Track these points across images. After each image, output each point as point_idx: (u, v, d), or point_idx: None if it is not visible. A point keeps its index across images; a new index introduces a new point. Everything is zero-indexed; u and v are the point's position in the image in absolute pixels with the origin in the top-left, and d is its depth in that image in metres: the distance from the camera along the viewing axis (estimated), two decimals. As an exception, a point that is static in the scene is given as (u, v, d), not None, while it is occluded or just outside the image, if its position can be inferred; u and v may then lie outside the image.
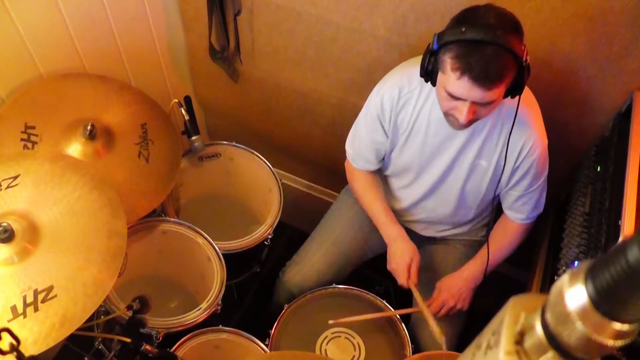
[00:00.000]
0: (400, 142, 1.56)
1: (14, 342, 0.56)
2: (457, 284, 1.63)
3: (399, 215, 1.75)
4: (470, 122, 1.32)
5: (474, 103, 1.25)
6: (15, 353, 0.58)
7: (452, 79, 1.23)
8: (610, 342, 0.40)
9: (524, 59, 1.20)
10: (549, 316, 0.43)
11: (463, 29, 1.18)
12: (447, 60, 1.22)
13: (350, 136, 1.69)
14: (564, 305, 0.42)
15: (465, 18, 1.22)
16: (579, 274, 0.41)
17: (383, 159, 1.65)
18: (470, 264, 1.66)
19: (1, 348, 0.56)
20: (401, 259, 1.60)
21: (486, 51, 1.17)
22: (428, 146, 1.52)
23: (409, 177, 1.64)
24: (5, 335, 0.56)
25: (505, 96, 1.28)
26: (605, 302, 0.39)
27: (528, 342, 0.46)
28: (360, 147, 1.64)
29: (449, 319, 1.65)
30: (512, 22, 1.21)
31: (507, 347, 0.46)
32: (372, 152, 1.62)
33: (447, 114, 1.35)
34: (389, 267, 1.65)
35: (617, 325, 0.39)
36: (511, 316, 0.48)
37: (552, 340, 0.43)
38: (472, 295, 1.65)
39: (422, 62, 1.30)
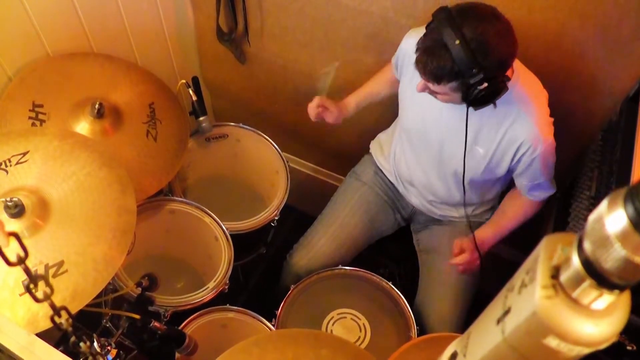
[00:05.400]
0: (407, 96, 1.58)
1: (48, 291, 0.58)
2: (468, 238, 1.63)
3: (412, 186, 1.77)
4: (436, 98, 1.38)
5: None
6: (49, 302, 0.59)
7: None
8: None
9: (471, 81, 1.20)
10: (586, 244, 0.44)
11: (447, 14, 1.20)
12: None
13: None
14: (603, 230, 0.42)
15: (465, 11, 1.21)
16: (617, 199, 0.42)
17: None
18: (480, 229, 1.66)
19: (37, 296, 0.57)
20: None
21: (433, 48, 1.21)
22: (432, 110, 1.52)
23: (415, 141, 1.65)
24: (42, 284, 0.59)
25: (467, 103, 1.30)
26: None
27: (564, 276, 0.46)
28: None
29: (454, 299, 1.67)
30: (482, 43, 1.19)
31: (544, 281, 0.46)
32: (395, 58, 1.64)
33: None
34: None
35: None
36: (546, 252, 0.48)
37: (589, 267, 0.44)
38: (480, 258, 1.62)
39: None
